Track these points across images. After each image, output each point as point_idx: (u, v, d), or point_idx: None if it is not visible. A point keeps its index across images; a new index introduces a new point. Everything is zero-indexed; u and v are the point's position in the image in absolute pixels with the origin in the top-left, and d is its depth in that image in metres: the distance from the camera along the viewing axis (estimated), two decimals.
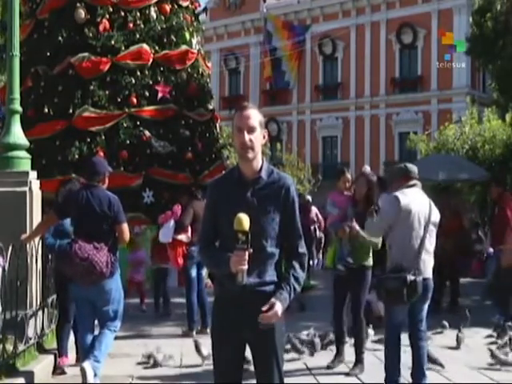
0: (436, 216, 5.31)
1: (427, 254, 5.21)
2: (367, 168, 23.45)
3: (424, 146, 21.86)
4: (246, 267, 2.96)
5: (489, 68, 18.24)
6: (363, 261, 6.09)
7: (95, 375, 5.13)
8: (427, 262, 5.21)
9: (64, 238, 5.66)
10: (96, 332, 5.57)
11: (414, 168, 5.50)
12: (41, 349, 6.22)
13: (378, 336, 7.41)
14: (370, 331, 7.28)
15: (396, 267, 5.09)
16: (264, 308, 2.98)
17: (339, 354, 6.34)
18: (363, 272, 6.08)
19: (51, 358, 6.07)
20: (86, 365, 5.09)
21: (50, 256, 6.23)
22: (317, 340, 6.84)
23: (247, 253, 2.93)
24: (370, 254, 6.14)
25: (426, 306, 5.27)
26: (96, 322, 5.63)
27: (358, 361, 6.16)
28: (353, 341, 6.37)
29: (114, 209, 5.35)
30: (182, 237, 8.14)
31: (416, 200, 5.23)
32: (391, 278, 5.12)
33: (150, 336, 7.84)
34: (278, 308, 3.00)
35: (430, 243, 5.26)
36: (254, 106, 3.19)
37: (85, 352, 5.36)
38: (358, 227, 5.84)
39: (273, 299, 3.03)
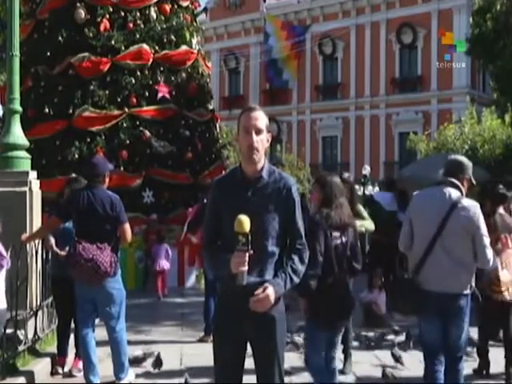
0: (464, 222, 4.31)
1: (439, 264, 4.31)
2: (367, 168, 23.43)
3: (424, 146, 21.90)
4: (246, 268, 2.96)
5: (489, 68, 18.26)
6: None
7: (128, 372, 5.54)
8: (440, 275, 4.31)
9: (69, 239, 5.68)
10: (95, 332, 5.57)
11: (449, 163, 4.63)
12: (41, 349, 6.23)
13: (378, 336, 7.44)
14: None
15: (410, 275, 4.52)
16: (257, 292, 2.99)
17: None
18: None
19: (51, 357, 6.07)
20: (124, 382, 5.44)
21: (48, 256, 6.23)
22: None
23: (247, 254, 2.93)
24: None
25: (455, 327, 4.40)
26: (97, 321, 5.63)
27: (347, 356, 6.24)
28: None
29: (117, 209, 5.34)
30: (192, 237, 8.18)
31: (431, 202, 4.46)
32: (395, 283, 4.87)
33: (150, 336, 7.83)
34: (271, 292, 2.99)
35: (450, 253, 4.31)
36: (261, 109, 3.21)
37: (86, 352, 5.35)
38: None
39: (266, 283, 3.03)
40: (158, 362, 6.12)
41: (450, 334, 4.40)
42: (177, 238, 11.34)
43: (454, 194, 4.41)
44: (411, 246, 4.54)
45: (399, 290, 4.50)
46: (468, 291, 4.40)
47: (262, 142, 3.12)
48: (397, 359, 6.28)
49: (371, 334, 7.54)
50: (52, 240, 5.84)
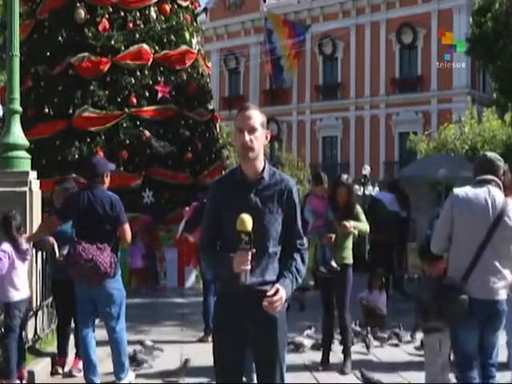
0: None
1: (488, 270, 4.13)
2: (367, 168, 23.45)
3: (424, 146, 21.90)
4: (248, 267, 2.95)
5: (489, 68, 18.26)
6: (344, 260, 6.23)
7: (128, 372, 5.51)
8: (488, 281, 4.14)
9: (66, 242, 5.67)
10: (95, 332, 5.57)
11: (489, 159, 4.37)
12: (41, 349, 6.23)
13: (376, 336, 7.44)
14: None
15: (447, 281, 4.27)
16: (269, 293, 2.98)
17: (326, 356, 6.35)
18: (345, 271, 6.21)
19: (51, 357, 6.06)
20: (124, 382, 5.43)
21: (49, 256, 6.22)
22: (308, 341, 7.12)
23: (250, 253, 2.93)
24: (351, 253, 6.30)
25: (493, 333, 4.25)
26: (97, 321, 5.63)
27: (346, 356, 6.24)
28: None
29: (116, 209, 5.33)
30: (189, 236, 8.16)
31: (478, 203, 4.16)
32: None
33: (150, 336, 7.83)
34: (283, 293, 3.00)
35: (498, 258, 4.15)
36: (256, 107, 3.19)
37: (86, 352, 5.34)
38: (348, 224, 6.07)
39: (277, 285, 3.03)
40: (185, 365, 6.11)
41: (487, 340, 4.25)
42: (174, 237, 11.34)
43: (500, 195, 4.22)
44: (449, 247, 4.28)
45: (446, 297, 4.19)
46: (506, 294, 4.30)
47: (256, 140, 3.08)
48: (367, 346, 6.78)
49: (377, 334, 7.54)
50: (52, 239, 5.82)
